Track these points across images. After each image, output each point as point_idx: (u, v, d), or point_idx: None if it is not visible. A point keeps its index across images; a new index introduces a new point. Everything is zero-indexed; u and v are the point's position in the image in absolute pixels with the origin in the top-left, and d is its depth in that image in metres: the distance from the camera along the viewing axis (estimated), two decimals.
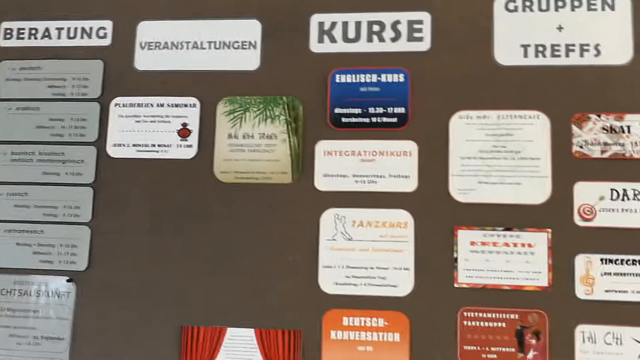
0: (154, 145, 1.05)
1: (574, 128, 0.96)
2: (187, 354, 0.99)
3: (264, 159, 1.03)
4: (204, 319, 0.99)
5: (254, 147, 1.03)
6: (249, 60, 1.05)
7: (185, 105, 1.06)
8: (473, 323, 0.94)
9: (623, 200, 0.93)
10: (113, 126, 1.07)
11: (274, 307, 0.98)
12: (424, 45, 1.01)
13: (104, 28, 1.10)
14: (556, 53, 0.98)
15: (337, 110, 1.02)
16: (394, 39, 1.02)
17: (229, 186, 1.02)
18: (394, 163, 0.99)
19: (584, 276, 0.93)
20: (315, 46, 1.04)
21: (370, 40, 1.03)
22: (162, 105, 1.06)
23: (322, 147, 1.01)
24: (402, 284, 0.96)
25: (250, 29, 1.06)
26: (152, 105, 1.06)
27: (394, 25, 1.03)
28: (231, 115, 1.04)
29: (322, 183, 1.00)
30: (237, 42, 1.06)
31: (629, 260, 0.92)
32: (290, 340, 0.97)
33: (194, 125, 1.05)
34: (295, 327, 0.97)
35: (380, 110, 1.01)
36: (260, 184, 1.02)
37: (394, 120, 1.00)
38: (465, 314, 0.94)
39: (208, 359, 0.98)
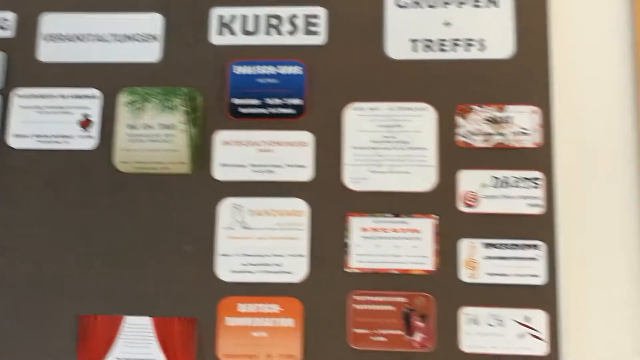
0: (55, 136, 1.01)
1: (459, 119, 0.97)
2: (84, 343, 0.96)
3: (163, 149, 1.00)
4: (101, 308, 0.96)
5: (154, 137, 1.00)
6: (151, 52, 1.02)
7: (87, 97, 1.02)
8: (363, 307, 0.93)
9: (504, 187, 0.95)
10: (14, 117, 1.02)
11: (171, 295, 0.95)
12: (320, 39, 1.01)
13: (6, 19, 1.06)
14: (443, 48, 0.98)
15: (235, 101, 1.00)
16: (291, 33, 1.01)
17: (128, 176, 0.99)
18: (291, 153, 0.98)
19: (468, 260, 0.94)
20: (215, 38, 1.02)
21: (268, 33, 1.02)
22: (63, 96, 1.02)
23: (221, 137, 0.99)
24: (297, 271, 0.95)
25: (152, 22, 1.04)
26: (53, 96, 1.02)
27: (291, 19, 1.02)
28: (131, 106, 1.01)
29: (220, 173, 0.98)
30: (139, 34, 1.04)
31: (509, 244, 0.93)
32: (186, 328, 0.95)
33: (95, 117, 1.02)
34: (192, 315, 0.95)
35: (277, 101, 1.00)
36: (159, 174, 0.99)
37: (291, 111, 0.99)
38: (355, 298, 0.94)
39: (105, 348, 0.95)
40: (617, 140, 0.97)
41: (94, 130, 1.01)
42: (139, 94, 1.01)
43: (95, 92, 1.02)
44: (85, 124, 1.02)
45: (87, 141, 1.01)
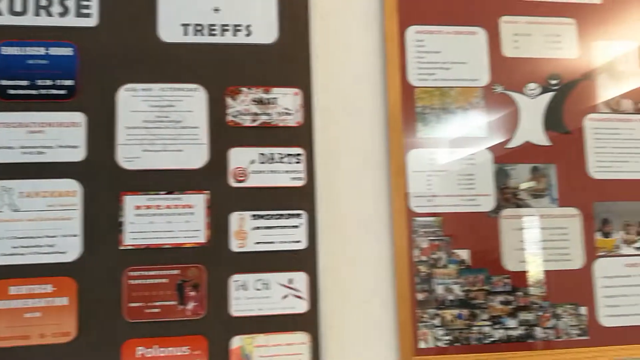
0: None
1: (229, 100, 0.99)
2: None
3: None
4: None
5: None
6: None
7: None
8: (137, 281, 0.93)
9: (270, 163, 0.99)
10: None
11: None
12: (92, 21, 0.97)
13: None
14: (213, 32, 1.00)
15: (3, 82, 0.94)
16: (62, 14, 0.97)
17: None
18: (63, 134, 0.94)
19: (238, 231, 0.97)
20: None
21: (37, 14, 0.96)
22: None
23: None
24: (71, 250, 0.92)
25: None
26: None
27: (62, 0, 0.98)
28: None
29: None
30: None
31: (275, 215, 0.98)
32: None
33: None
34: None
35: (48, 82, 0.95)
36: None
37: (63, 92, 0.95)
38: (130, 273, 0.93)
39: None
40: (370, 119, 1.04)
41: None
42: None
43: None
44: None
45: None
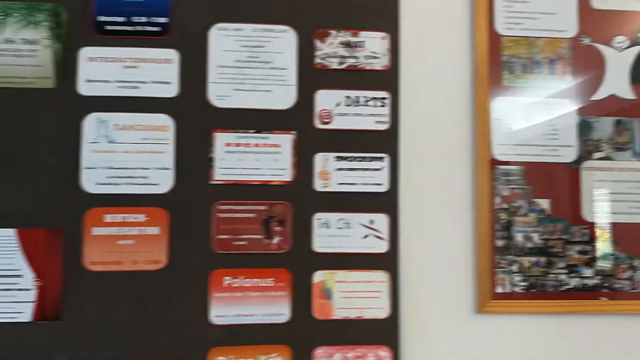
0: None
1: (317, 42, 0.94)
2: None
3: (27, 64, 0.88)
4: None
5: (16, 52, 0.90)
6: None
7: None
8: (226, 215, 0.90)
9: (355, 106, 0.94)
10: None
11: (35, 207, 0.87)
12: None
13: None
14: None
15: (101, 18, 0.90)
16: None
17: None
18: (156, 70, 0.90)
19: (322, 172, 0.93)
20: None
21: None
22: None
23: (86, 53, 0.89)
24: (163, 182, 0.89)
25: None
26: None
27: None
28: None
29: (85, 88, 0.88)
30: None
31: (358, 157, 0.92)
32: (52, 238, 0.87)
33: None
34: (57, 225, 0.89)
35: (143, 19, 0.90)
36: (23, 89, 0.88)
37: (157, 29, 0.90)
38: (219, 207, 0.90)
39: None
40: (456, 65, 0.97)
41: None
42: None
43: None
44: None
45: None
